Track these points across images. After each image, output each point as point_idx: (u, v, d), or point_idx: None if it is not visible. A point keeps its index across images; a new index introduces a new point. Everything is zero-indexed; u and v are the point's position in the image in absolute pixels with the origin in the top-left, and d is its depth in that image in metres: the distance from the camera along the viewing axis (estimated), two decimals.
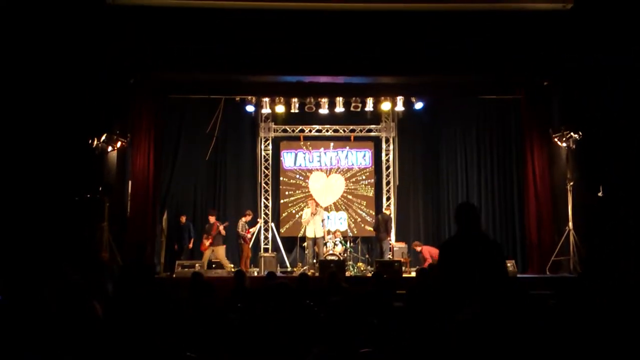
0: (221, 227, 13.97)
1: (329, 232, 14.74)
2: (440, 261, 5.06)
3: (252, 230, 14.63)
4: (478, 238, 4.82)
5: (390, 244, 14.74)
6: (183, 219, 14.48)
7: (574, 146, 12.26)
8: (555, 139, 12.56)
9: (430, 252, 13.95)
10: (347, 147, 16.52)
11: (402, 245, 14.79)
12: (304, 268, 14.08)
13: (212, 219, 14.19)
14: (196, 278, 7.91)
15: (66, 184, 10.41)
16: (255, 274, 13.59)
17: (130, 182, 12.49)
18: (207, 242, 13.97)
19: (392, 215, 15.64)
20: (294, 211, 16.24)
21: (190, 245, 14.26)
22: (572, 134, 12.19)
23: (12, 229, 9.16)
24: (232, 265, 13.79)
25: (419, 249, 14.54)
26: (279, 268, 14.40)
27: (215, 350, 4.91)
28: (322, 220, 14.33)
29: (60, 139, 10.63)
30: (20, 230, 9.20)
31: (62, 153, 10.61)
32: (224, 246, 14.11)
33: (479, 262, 4.65)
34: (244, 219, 14.42)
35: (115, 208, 11.63)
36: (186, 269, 12.20)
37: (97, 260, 10.32)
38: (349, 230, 15.70)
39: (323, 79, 13.67)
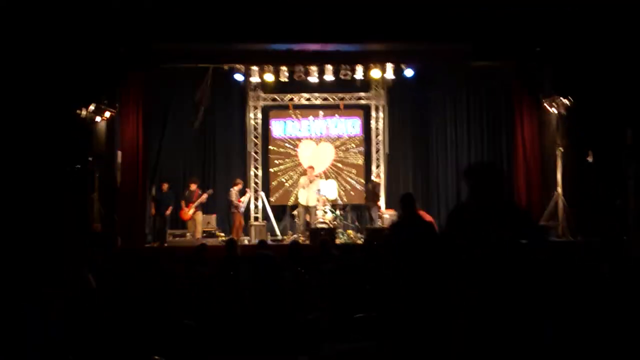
0: (204, 195, 13.98)
1: (318, 200, 14.76)
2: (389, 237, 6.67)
3: (242, 199, 14.62)
4: (417, 219, 6.24)
5: (379, 212, 14.78)
6: (165, 186, 14.26)
7: (564, 112, 12.29)
8: (545, 105, 12.59)
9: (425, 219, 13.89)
10: (337, 116, 16.45)
11: (392, 212, 14.80)
12: (294, 236, 14.14)
13: (193, 186, 14.17)
14: (202, 248, 8.04)
15: (55, 154, 10.36)
16: (246, 242, 13.64)
17: (119, 153, 12.43)
18: (188, 210, 13.94)
19: (382, 183, 15.67)
20: (283, 180, 16.23)
21: (168, 212, 14.02)
22: (562, 99, 12.21)
23: (2, 201, 9.12)
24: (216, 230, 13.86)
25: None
26: (269, 236, 14.45)
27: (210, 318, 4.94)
28: (318, 190, 14.38)
29: (48, 109, 10.54)
30: (11, 202, 9.17)
31: (51, 123, 10.54)
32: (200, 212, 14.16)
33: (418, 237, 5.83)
34: (235, 188, 14.41)
35: (104, 179, 11.60)
36: (177, 238, 12.24)
37: (90, 232, 10.32)
38: (338, 199, 15.70)
39: (312, 47, 13.58)
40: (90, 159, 10.98)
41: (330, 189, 15.83)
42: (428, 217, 13.54)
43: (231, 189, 14.40)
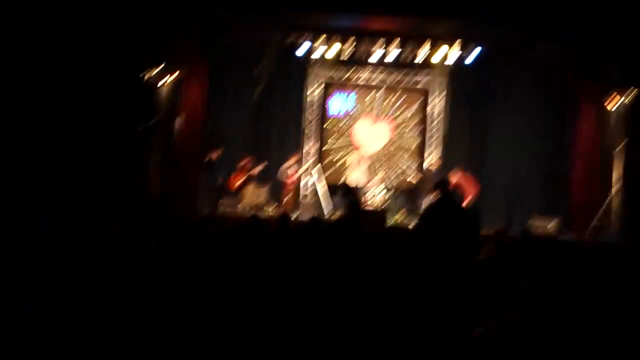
0: (255, 169, 14.08)
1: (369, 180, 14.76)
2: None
3: (297, 173, 14.69)
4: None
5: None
6: (216, 155, 14.13)
7: (628, 108, 11.98)
8: (609, 101, 12.29)
9: (471, 184, 13.80)
10: (395, 97, 16.34)
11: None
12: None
13: (243, 161, 14.32)
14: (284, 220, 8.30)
15: (121, 116, 10.58)
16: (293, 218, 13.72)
17: (179, 118, 12.60)
18: (236, 181, 14.05)
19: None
20: (335, 159, 16.23)
21: (219, 183, 14.15)
22: (626, 96, 11.90)
23: (71, 159, 9.37)
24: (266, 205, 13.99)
25: (458, 177, 13.97)
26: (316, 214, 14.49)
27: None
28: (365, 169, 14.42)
29: (115, 71, 10.76)
30: (77, 159, 9.42)
31: (117, 85, 10.76)
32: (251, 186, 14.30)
33: None
34: (285, 165, 14.50)
35: (165, 142, 11.82)
36: (229, 209, 12.42)
37: (149, 193, 10.54)
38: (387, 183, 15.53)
39: (377, 24, 13.52)
40: (153, 121, 11.19)
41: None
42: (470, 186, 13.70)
43: (282, 166, 14.50)
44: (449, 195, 6.70)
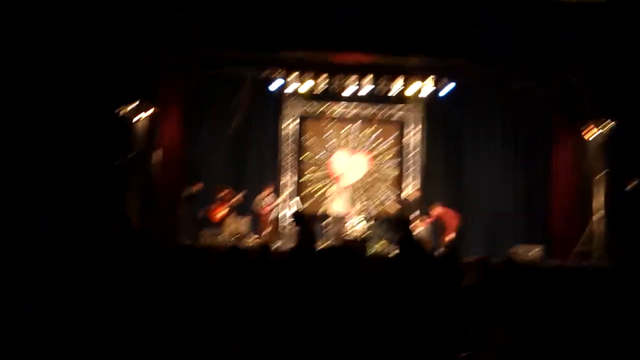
0: (235, 198, 14.03)
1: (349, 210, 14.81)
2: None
3: (272, 204, 14.66)
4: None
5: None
6: (196, 188, 14.18)
7: (604, 138, 12.17)
8: (585, 130, 12.48)
9: (452, 217, 13.97)
10: (372, 128, 16.44)
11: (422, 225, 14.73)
12: (324, 245, 14.11)
13: (223, 192, 14.29)
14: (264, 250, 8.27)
15: (97, 151, 10.50)
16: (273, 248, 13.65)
17: (157, 152, 12.57)
18: (218, 212, 13.99)
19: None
20: (314, 189, 16.23)
21: (200, 214, 14.13)
22: (602, 126, 12.11)
23: (46, 192, 9.23)
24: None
25: (438, 211, 14.27)
26: None
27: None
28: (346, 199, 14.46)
29: (91, 107, 10.70)
30: (53, 193, 9.28)
31: (93, 120, 10.69)
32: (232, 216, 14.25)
33: None
34: (260, 196, 14.48)
35: (142, 177, 11.74)
36: (210, 240, 12.35)
37: (130, 228, 10.41)
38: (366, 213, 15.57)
39: (352, 58, 13.66)
40: (130, 156, 11.12)
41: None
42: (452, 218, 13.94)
43: (257, 197, 14.49)
44: (408, 237, 7.21)
